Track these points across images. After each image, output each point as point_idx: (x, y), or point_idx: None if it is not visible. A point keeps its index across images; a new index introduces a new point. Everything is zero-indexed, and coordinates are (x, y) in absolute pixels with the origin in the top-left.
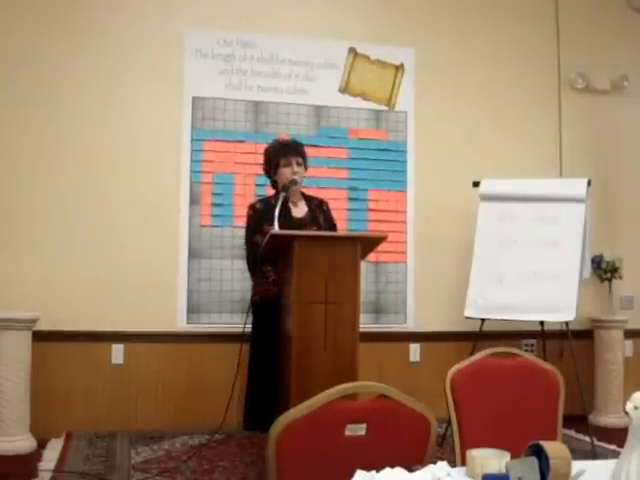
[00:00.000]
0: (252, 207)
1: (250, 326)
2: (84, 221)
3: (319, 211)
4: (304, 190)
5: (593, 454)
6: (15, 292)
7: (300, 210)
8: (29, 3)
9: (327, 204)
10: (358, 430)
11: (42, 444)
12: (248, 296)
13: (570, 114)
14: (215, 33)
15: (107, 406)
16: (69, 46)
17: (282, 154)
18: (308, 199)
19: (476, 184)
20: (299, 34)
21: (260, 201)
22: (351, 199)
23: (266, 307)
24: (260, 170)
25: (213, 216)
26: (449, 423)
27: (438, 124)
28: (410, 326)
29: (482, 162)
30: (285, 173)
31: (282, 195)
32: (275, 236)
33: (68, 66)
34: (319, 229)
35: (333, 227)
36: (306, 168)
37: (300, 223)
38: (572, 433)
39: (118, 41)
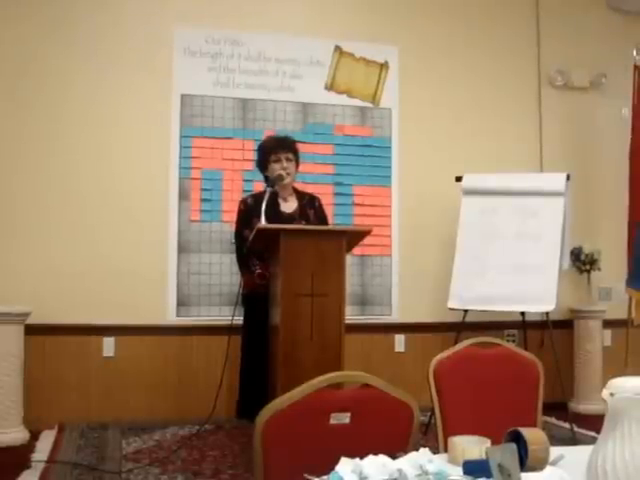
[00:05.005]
0: (243, 202)
1: (241, 318)
2: (75, 216)
3: (310, 207)
4: (296, 186)
5: (573, 440)
6: (7, 286)
7: (290, 205)
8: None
9: (319, 200)
10: (343, 419)
11: (35, 436)
12: (236, 289)
13: (550, 111)
14: (203, 31)
15: (98, 398)
16: (58, 47)
17: (273, 150)
18: (300, 195)
19: (459, 179)
20: (286, 33)
21: (251, 196)
22: (337, 194)
23: (256, 299)
24: (248, 166)
25: (202, 211)
26: (433, 412)
27: (421, 120)
28: (395, 317)
29: (464, 157)
30: (275, 169)
31: (269, 190)
32: (262, 230)
33: (59, 67)
34: (307, 225)
35: (324, 222)
36: (298, 164)
37: (289, 218)
38: (553, 420)
39: (107, 40)
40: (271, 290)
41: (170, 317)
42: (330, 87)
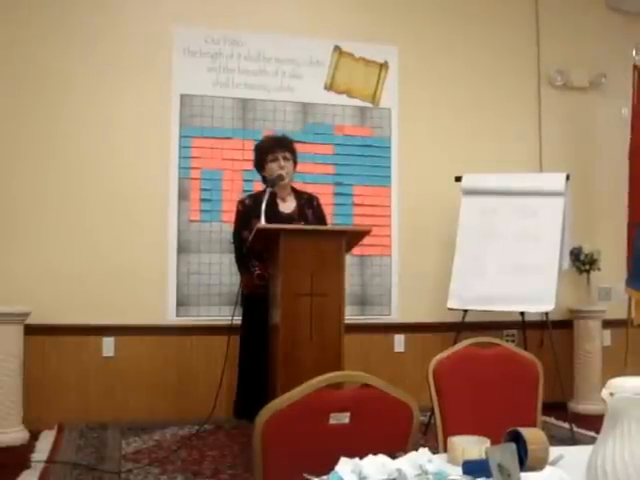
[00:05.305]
0: (241, 203)
1: (240, 318)
2: (75, 216)
3: (308, 207)
4: (294, 185)
5: (572, 440)
6: (7, 287)
7: (289, 206)
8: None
9: (317, 199)
10: (342, 419)
11: (35, 436)
12: (235, 289)
13: (550, 111)
14: (202, 31)
15: (98, 398)
16: (57, 48)
17: (270, 149)
18: (298, 194)
19: (458, 179)
20: (285, 33)
21: (249, 197)
22: (337, 194)
23: (256, 299)
24: (248, 166)
25: (201, 211)
26: (433, 412)
27: (421, 120)
28: (395, 317)
29: (464, 157)
30: (272, 168)
31: (268, 190)
32: (262, 230)
33: (58, 68)
34: (306, 224)
35: (323, 222)
36: (295, 163)
37: (288, 218)
38: (552, 420)
39: (106, 41)
40: (271, 290)
41: (170, 317)
42: (330, 87)
